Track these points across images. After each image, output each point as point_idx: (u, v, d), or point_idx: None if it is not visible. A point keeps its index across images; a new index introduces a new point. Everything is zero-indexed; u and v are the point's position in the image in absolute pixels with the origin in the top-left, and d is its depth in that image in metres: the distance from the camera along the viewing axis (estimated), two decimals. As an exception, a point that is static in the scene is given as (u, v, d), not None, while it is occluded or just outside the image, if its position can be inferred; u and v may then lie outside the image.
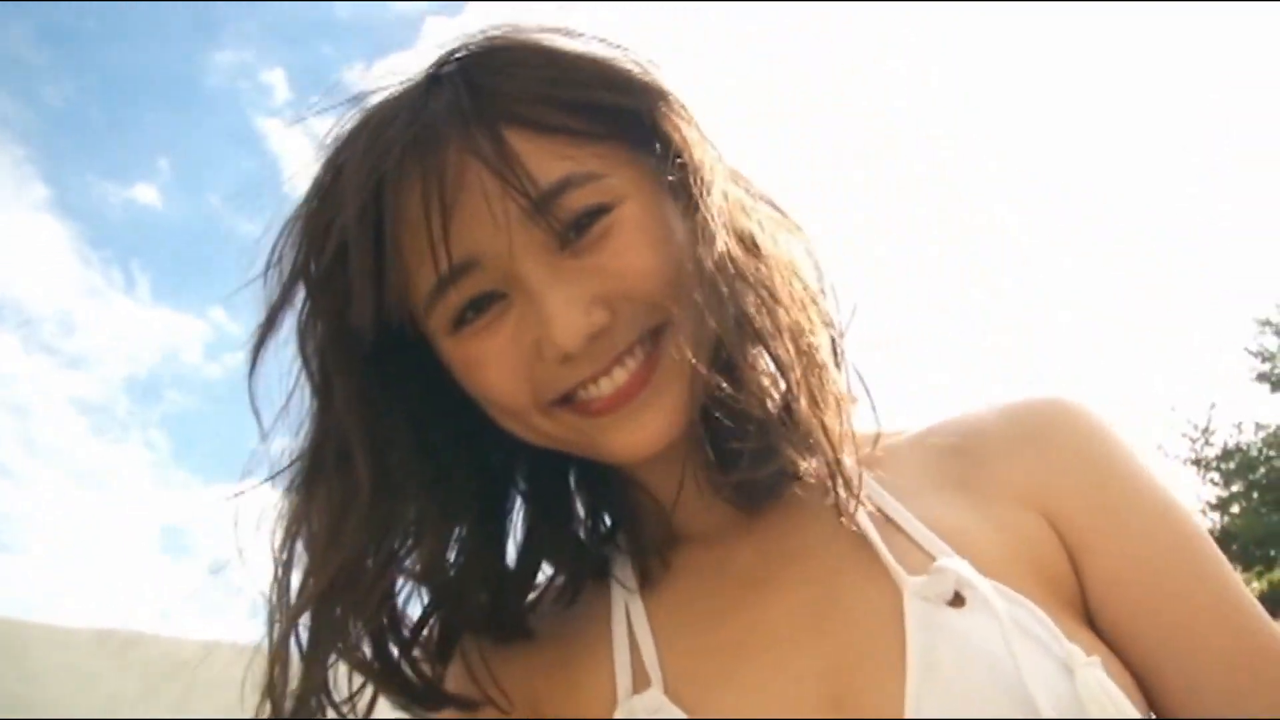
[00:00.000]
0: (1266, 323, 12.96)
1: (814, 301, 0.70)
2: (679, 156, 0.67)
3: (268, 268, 0.70)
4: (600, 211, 0.66)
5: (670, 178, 0.67)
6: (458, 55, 0.69)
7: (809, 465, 0.67)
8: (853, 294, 0.73)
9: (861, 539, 0.68)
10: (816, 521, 0.70)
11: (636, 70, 0.69)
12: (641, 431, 0.67)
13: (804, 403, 0.66)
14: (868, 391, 0.72)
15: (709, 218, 0.65)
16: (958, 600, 0.62)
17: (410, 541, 0.72)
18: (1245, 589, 0.67)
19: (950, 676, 0.59)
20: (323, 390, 0.70)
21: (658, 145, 0.68)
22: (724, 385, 0.64)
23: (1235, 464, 13.08)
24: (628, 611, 0.73)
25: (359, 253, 0.65)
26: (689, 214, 0.66)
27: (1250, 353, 13.00)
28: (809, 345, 0.67)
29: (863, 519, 0.68)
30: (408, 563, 0.72)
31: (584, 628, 0.75)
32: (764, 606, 0.68)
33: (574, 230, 0.66)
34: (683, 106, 0.69)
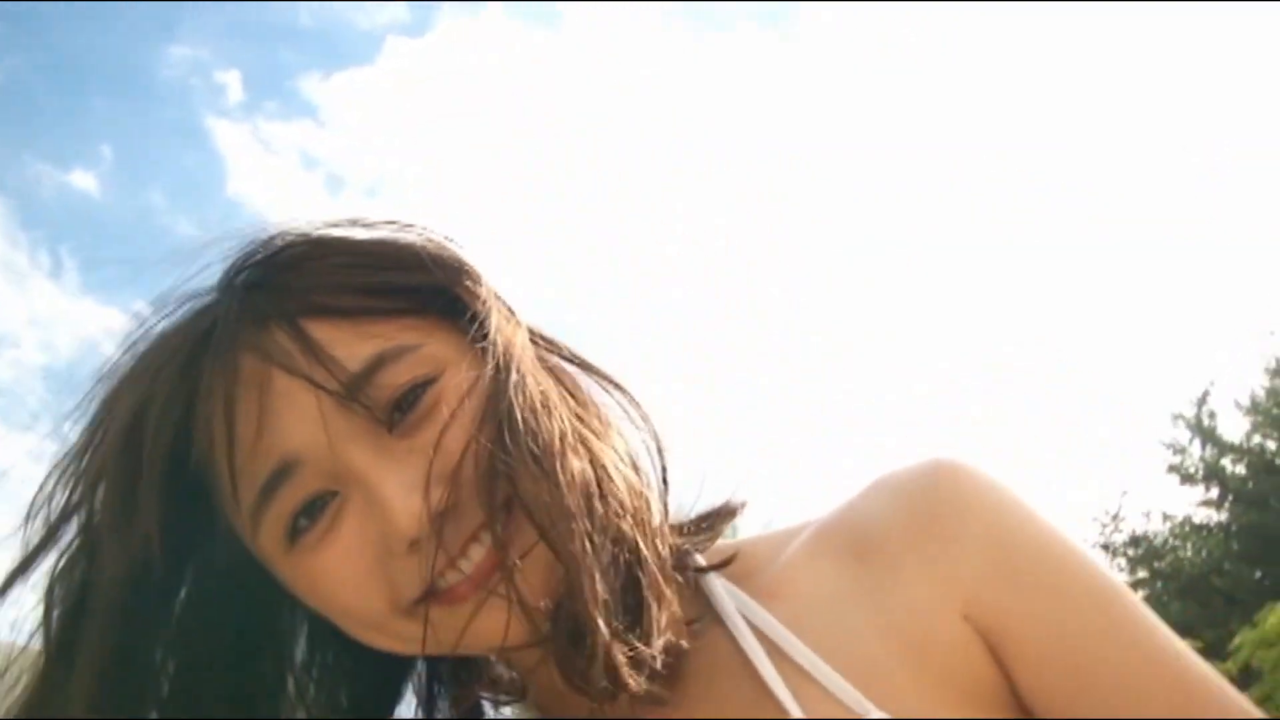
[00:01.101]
0: (1179, 417, 13.36)
1: (634, 469, 0.68)
2: (484, 327, 0.64)
3: (30, 509, 0.64)
4: (424, 384, 0.62)
5: (481, 346, 0.64)
6: (246, 263, 0.66)
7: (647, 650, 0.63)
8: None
9: (768, 694, 0.64)
10: (722, 677, 0.67)
11: (431, 247, 0.67)
12: (493, 617, 0.61)
13: (642, 591, 0.64)
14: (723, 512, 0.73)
15: (516, 396, 0.62)
16: None
17: None
18: (1173, 638, 0.65)
19: None
20: (59, 656, 0.62)
21: (468, 314, 0.65)
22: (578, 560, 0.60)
23: (1142, 551, 13.40)
24: None
25: (142, 483, 0.60)
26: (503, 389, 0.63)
27: (1164, 445, 13.38)
28: (639, 524, 0.65)
29: (769, 672, 0.65)
30: None
31: None
32: None
33: (398, 409, 0.62)
34: (482, 277, 0.67)
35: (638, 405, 0.71)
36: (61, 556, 0.64)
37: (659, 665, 0.63)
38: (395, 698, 0.75)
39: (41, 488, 0.64)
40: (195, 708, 0.67)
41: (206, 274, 0.66)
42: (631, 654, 0.62)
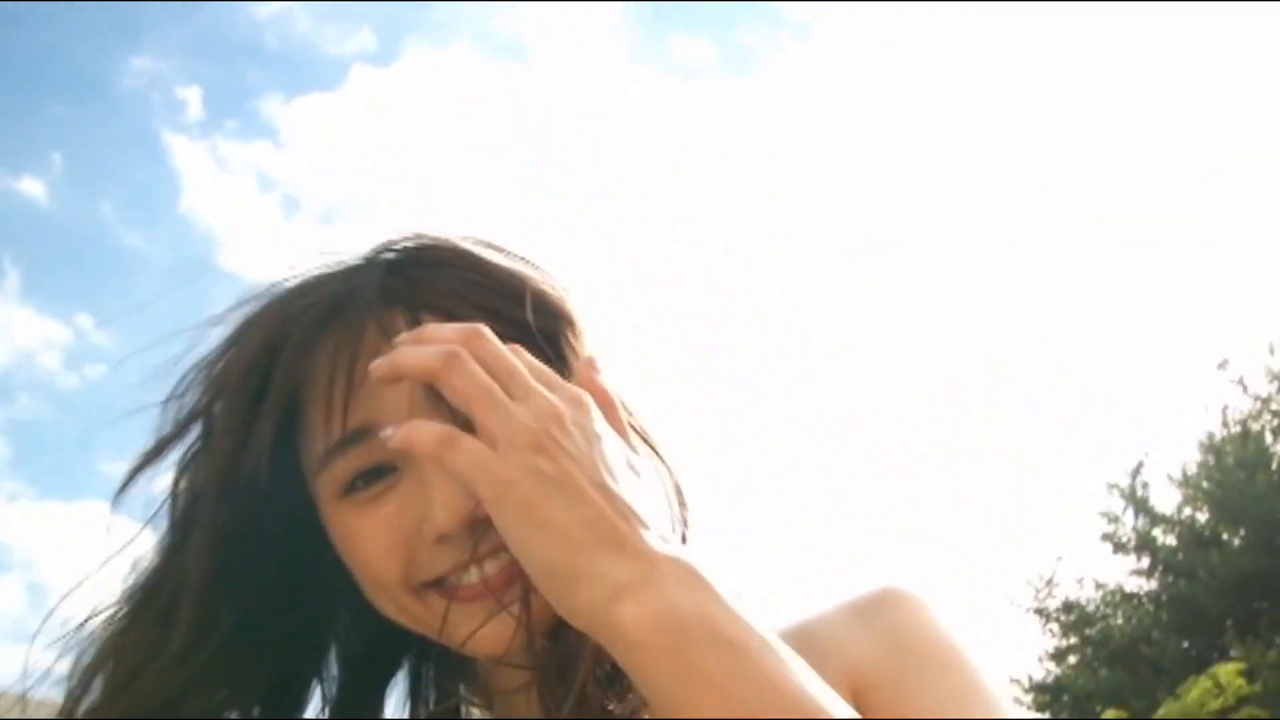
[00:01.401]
0: (1115, 486, 13.63)
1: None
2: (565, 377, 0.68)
3: (168, 399, 0.73)
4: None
5: None
6: (391, 247, 0.74)
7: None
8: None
9: None
10: None
11: (551, 293, 0.73)
12: (504, 626, 0.66)
13: None
14: None
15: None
16: None
17: (200, 708, 0.73)
18: None
19: None
20: (180, 531, 0.72)
21: (560, 362, 0.70)
22: None
23: (1074, 618, 13.58)
24: None
25: (261, 404, 0.68)
26: None
27: (1099, 513, 13.63)
28: None
29: None
30: None
31: None
32: None
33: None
34: (583, 333, 0.73)
35: (680, 489, 0.72)
36: (188, 450, 0.73)
37: None
38: (393, 666, 0.82)
39: (177, 386, 0.73)
40: (268, 605, 0.75)
41: (178, 401, 0.73)
42: (605, 702, 0.66)
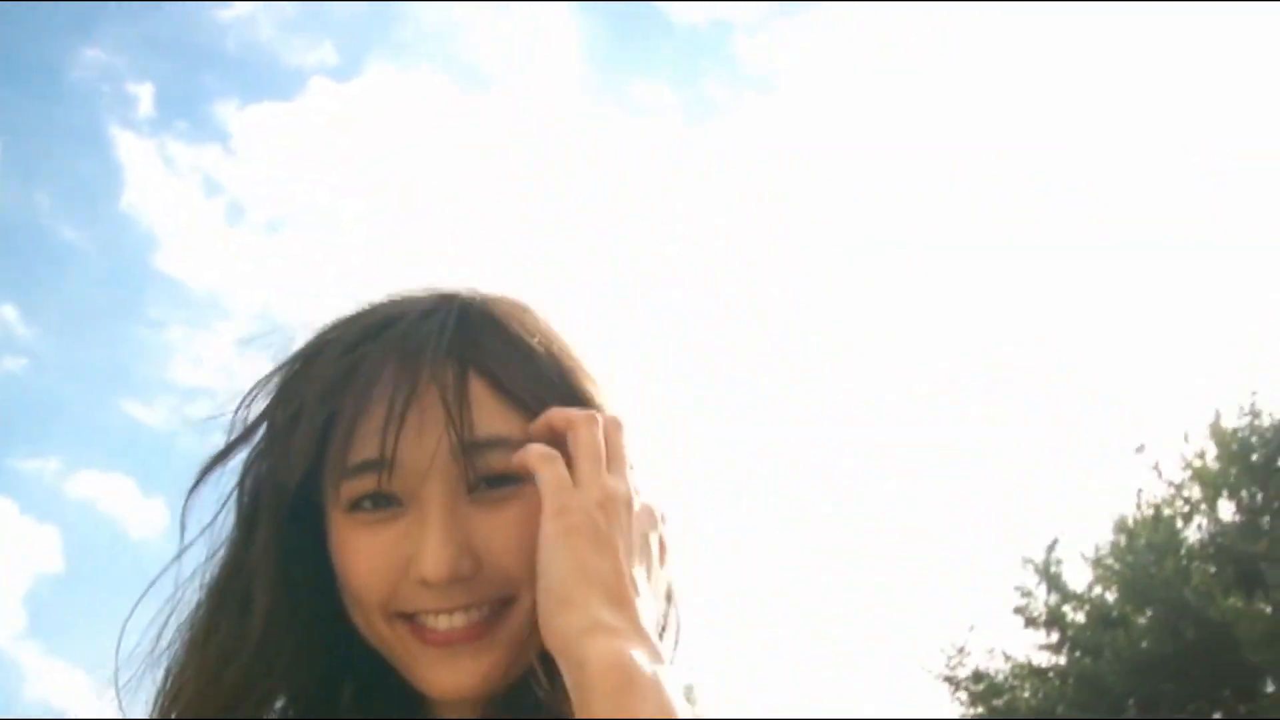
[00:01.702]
0: (1029, 561, 13.90)
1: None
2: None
3: (239, 407, 0.79)
4: (514, 480, 0.73)
5: None
6: (463, 299, 0.79)
7: None
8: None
9: None
10: None
11: (592, 387, 0.78)
12: (457, 676, 0.72)
13: None
14: None
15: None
16: None
17: (285, 697, 0.79)
18: None
19: None
20: (248, 524, 0.78)
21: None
22: (539, 673, 0.75)
23: (983, 688, 13.75)
24: None
25: (316, 419, 0.73)
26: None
27: (1014, 587, 13.87)
28: None
29: None
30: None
31: None
32: None
33: (486, 483, 0.73)
34: (619, 430, 0.76)
35: (672, 595, 0.79)
36: (252, 451, 0.79)
37: None
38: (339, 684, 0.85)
39: (249, 393, 0.79)
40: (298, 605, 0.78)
41: (247, 409, 0.79)
42: None
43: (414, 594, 0.72)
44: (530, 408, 0.75)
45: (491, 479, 0.73)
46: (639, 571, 0.69)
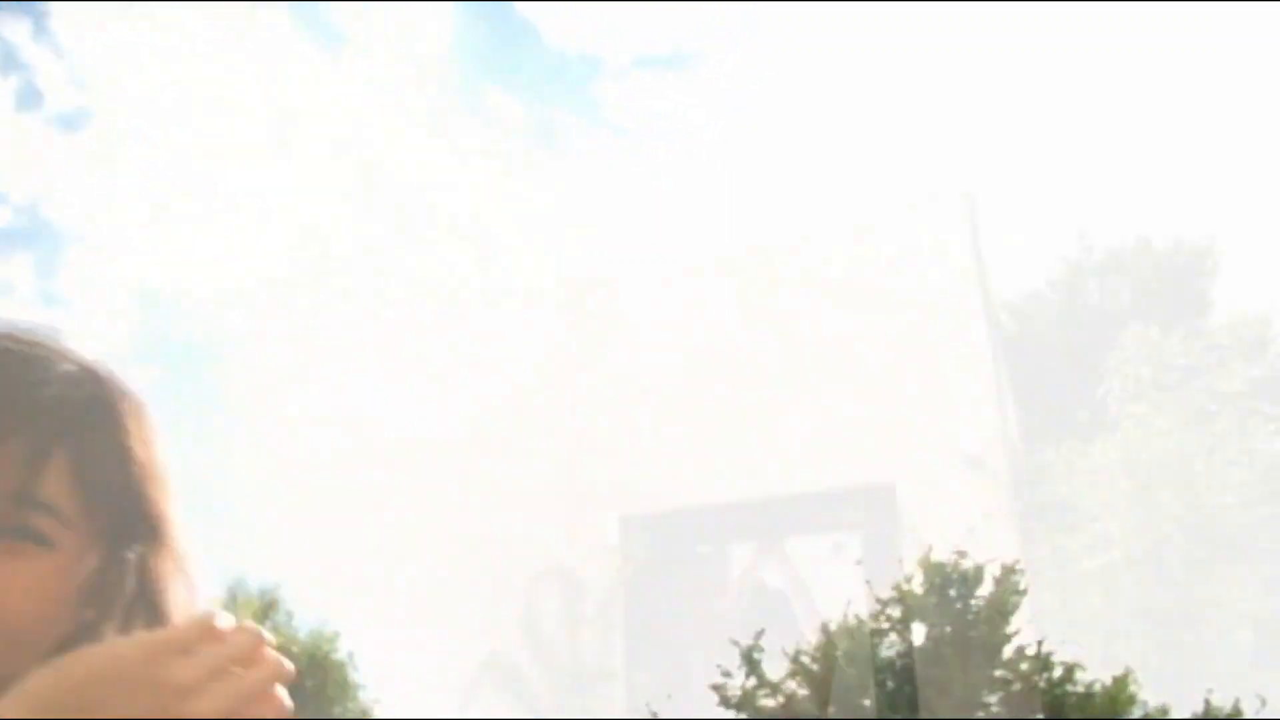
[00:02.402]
0: (735, 643, 14.35)
1: None
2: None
3: None
4: (29, 536, 0.68)
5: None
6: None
7: None
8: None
9: None
10: None
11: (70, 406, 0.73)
12: None
13: None
14: None
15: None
16: None
17: None
18: None
19: None
20: None
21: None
22: None
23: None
24: None
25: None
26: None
27: (716, 664, 14.27)
28: None
29: None
30: None
31: None
32: None
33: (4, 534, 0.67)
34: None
35: None
36: None
37: None
38: None
39: None
40: None
41: None
42: None
43: None
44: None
45: (11, 529, 0.68)
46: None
